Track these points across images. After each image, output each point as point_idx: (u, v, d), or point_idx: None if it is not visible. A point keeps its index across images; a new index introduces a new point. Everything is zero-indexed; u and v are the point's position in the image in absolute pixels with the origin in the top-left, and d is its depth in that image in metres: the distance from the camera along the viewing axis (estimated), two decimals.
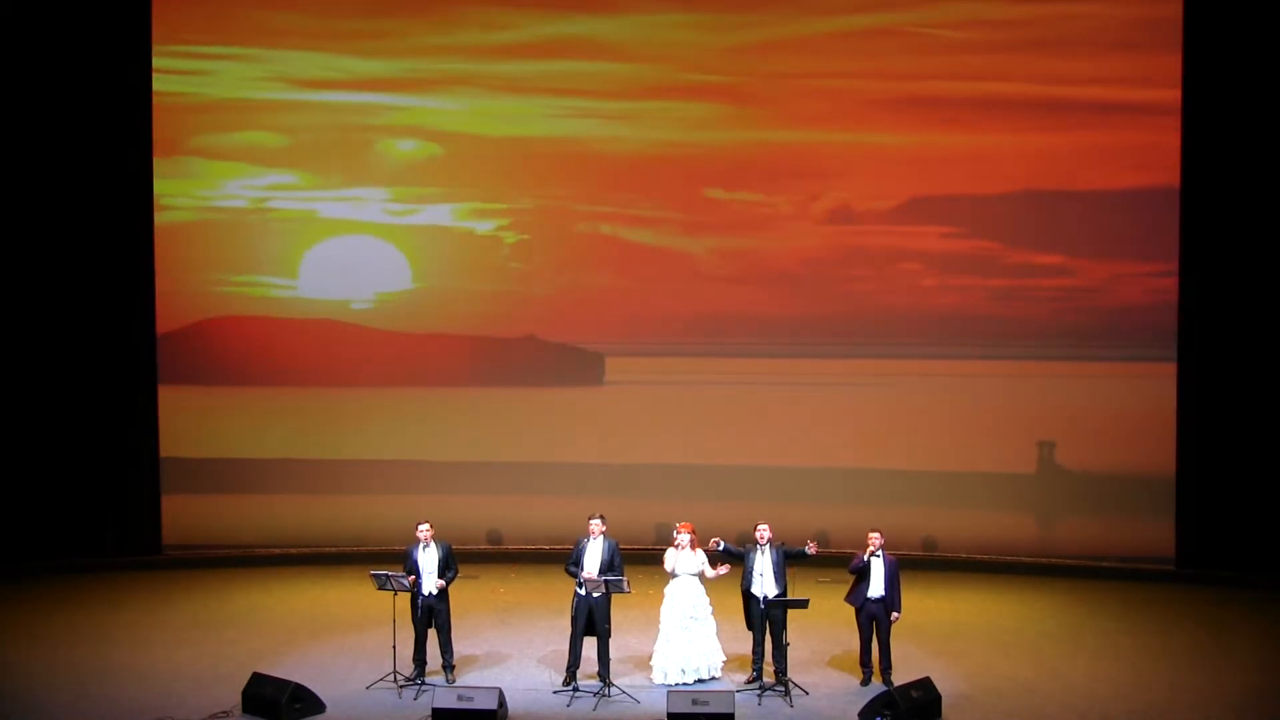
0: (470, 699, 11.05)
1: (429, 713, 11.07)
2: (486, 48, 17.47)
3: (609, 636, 11.96)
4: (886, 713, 11.04)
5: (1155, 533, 16.56)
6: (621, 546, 12.17)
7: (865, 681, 12.19)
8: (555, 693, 11.94)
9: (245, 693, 11.44)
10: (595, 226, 17.83)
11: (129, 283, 17.03)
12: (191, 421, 17.68)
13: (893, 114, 17.09)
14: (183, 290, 17.54)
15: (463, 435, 18.15)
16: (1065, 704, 11.68)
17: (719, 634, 12.25)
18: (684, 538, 12.09)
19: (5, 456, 16.79)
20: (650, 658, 12.27)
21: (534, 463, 17.85)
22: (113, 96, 16.82)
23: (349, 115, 17.60)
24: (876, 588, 12.13)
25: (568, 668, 12.09)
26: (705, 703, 10.89)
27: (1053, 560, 16.96)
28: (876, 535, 12.18)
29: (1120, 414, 16.86)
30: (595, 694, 11.72)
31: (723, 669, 12.26)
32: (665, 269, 17.78)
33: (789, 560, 12.05)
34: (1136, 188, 16.70)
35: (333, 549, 17.50)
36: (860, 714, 11.29)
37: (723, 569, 12.11)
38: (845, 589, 12.40)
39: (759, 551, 12.00)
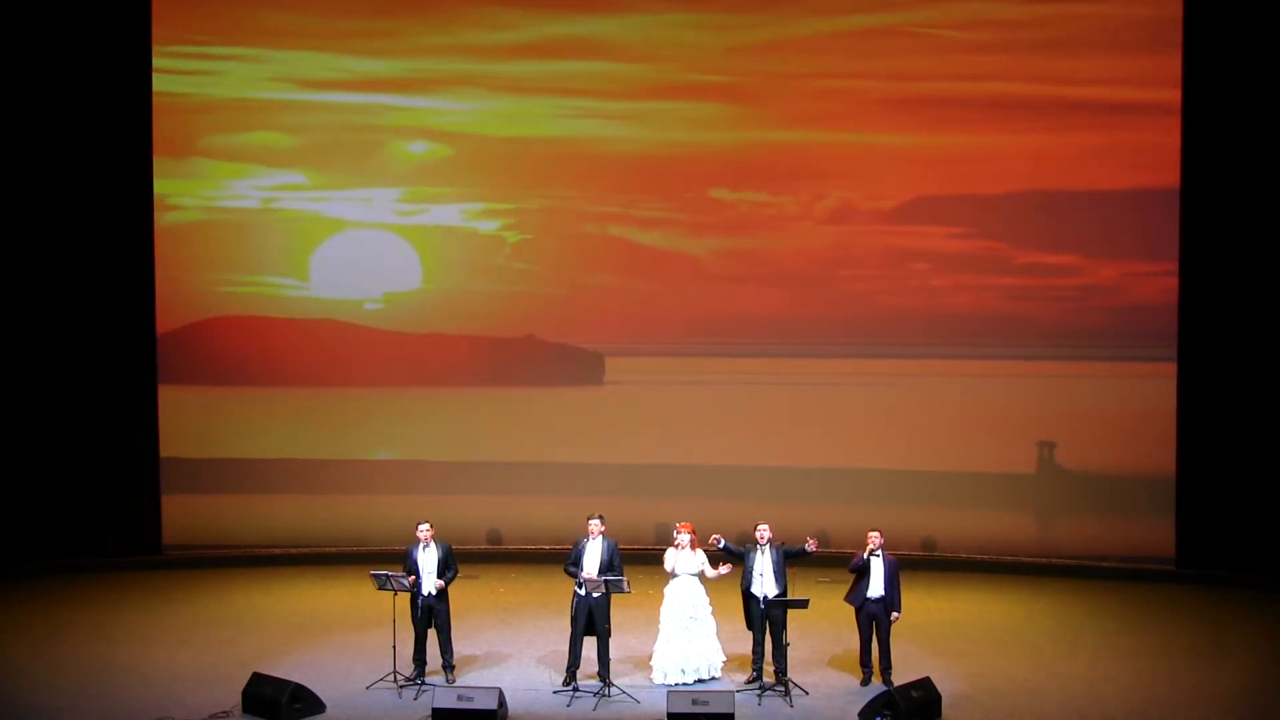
0: (470, 699, 11.05)
1: (429, 713, 11.07)
2: (490, 48, 17.47)
3: (609, 636, 11.96)
4: (886, 713, 11.04)
5: (1155, 533, 16.57)
6: (621, 546, 12.17)
7: (865, 681, 12.19)
8: (555, 693, 11.94)
9: (245, 693, 11.44)
10: (597, 227, 17.82)
11: (129, 283, 17.03)
12: (191, 421, 17.68)
13: (895, 114, 17.09)
14: (183, 290, 17.54)
15: (463, 435, 18.16)
16: (1065, 704, 11.68)
17: (719, 634, 12.25)
18: (684, 538, 12.09)
19: (5, 456, 16.80)
20: (650, 658, 12.27)
21: (534, 463, 17.85)
22: (113, 96, 16.81)
23: (353, 115, 17.60)
24: (876, 588, 12.13)
25: (568, 668, 12.09)
26: (705, 703, 10.89)
27: (1053, 560, 16.96)
28: (876, 534, 12.18)
29: (1120, 414, 16.86)
30: (595, 694, 11.72)
31: (723, 669, 12.26)
32: (666, 269, 17.78)
33: (789, 559, 12.05)
34: (1136, 188, 16.70)
35: (333, 549, 17.50)
36: (860, 714, 11.29)
37: (724, 568, 12.11)
38: (845, 589, 12.40)
39: (759, 551, 11.99)
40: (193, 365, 17.68)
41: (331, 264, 17.78)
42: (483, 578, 16.18)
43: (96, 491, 17.05)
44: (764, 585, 11.89)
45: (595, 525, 12.04)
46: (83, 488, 16.97)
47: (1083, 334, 17.03)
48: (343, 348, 17.83)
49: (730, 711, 10.87)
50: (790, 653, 11.95)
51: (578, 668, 12.03)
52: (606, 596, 11.89)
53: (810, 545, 11.98)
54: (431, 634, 12.15)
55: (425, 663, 12.09)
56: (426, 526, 12.23)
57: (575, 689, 11.87)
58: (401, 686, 11.89)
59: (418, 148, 17.81)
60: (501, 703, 11.21)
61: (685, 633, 12.07)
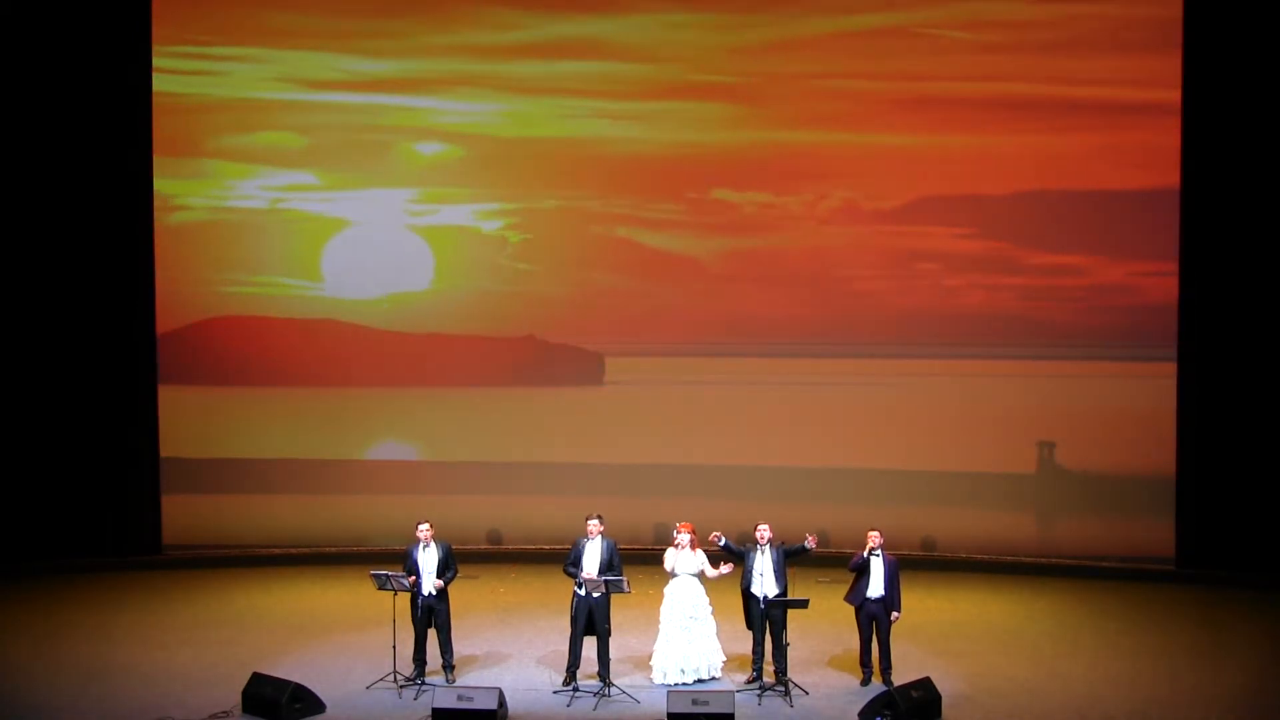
0: (470, 699, 11.05)
1: (429, 713, 11.07)
2: (493, 48, 17.47)
3: (609, 636, 11.96)
4: (886, 713, 11.04)
5: (1155, 533, 16.57)
6: (621, 546, 12.18)
7: (865, 681, 12.19)
8: (555, 693, 11.94)
9: (245, 693, 11.44)
10: (599, 227, 17.82)
11: (129, 283, 17.03)
12: (191, 421, 17.68)
13: (896, 114, 17.08)
14: (183, 290, 17.54)
15: (463, 435, 18.16)
16: (1065, 704, 11.68)
17: (719, 634, 12.25)
18: (684, 538, 12.09)
19: (6, 456, 16.80)
20: (650, 658, 12.27)
21: (534, 463, 17.86)
22: (113, 96, 16.81)
23: (356, 115, 17.60)
24: (876, 587, 12.13)
25: (568, 668, 12.09)
26: (705, 703, 10.89)
27: (1053, 560, 16.96)
28: (876, 534, 12.19)
29: (1120, 414, 16.86)
30: (595, 694, 11.72)
31: (723, 669, 12.26)
32: (668, 269, 17.78)
33: (790, 557, 12.05)
34: (1137, 188, 16.70)
35: (333, 549, 17.50)
36: (860, 714, 11.29)
37: (725, 567, 12.11)
38: (845, 589, 12.40)
39: (759, 551, 11.99)
40: (193, 365, 17.68)
41: (332, 264, 17.78)
42: (483, 578, 16.18)
43: (96, 491, 17.04)
44: (764, 585, 11.89)
45: (594, 525, 12.04)
46: (83, 488, 16.97)
47: (1083, 334, 17.03)
48: (343, 348, 17.83)
49: (730, 711, 10.87)
50: (790, 653, 11.95)
51: (578, 668, 12.03)
52: (606, 596, 11.89)
53: (810, 542, 11.98)
54: (431, 634, 12.15)
55: (425, 663, 12.09)
56: (426, 526, 12.23)
57: (575, 689, 11.87)
58: (401, 686, 11.89)
59: (420, 148, 17.80)
60: (501, 703, 11.21)
61: (685, 633, 12.07)
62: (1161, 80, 16.25)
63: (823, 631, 13.39)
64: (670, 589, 12.18)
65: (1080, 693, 11.97)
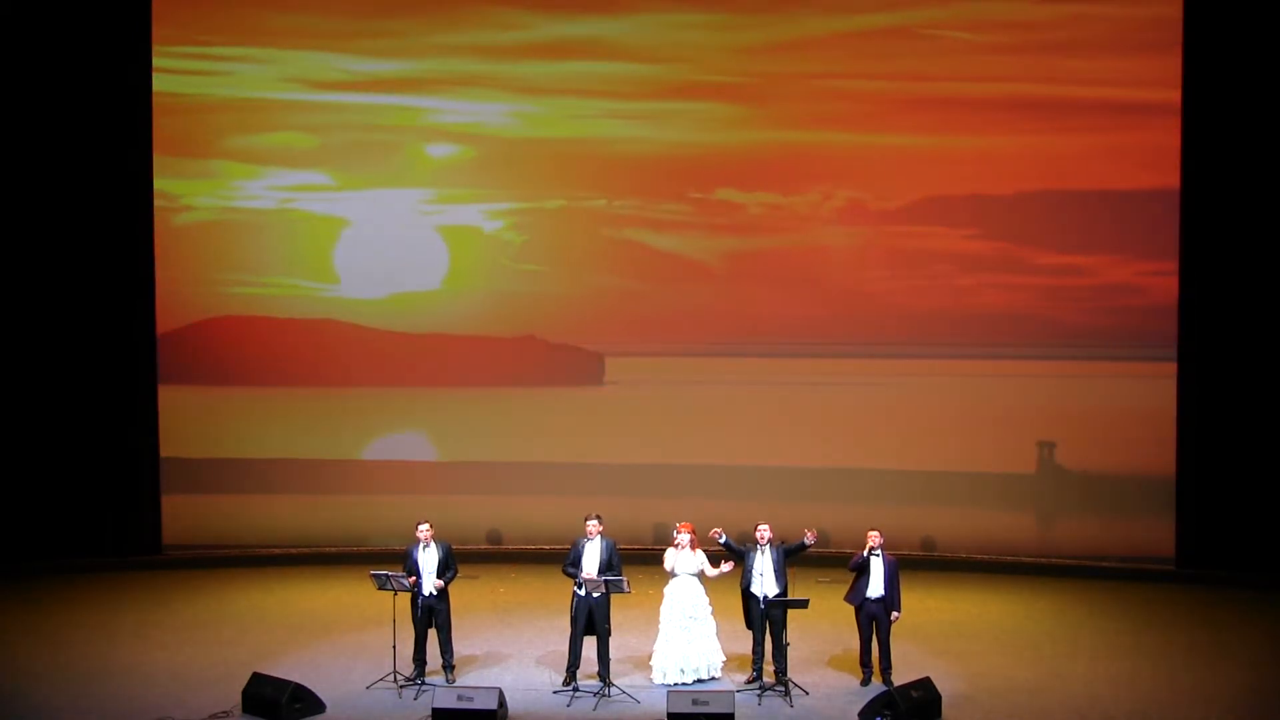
0: (470, 699, 11.05)
1: (429, 713, 11.07)
2: (497, 48, 17.46)
3: (609, 636, 11.96)
4: (886, 713, 11.04)
5: (1155, 533, 16.57)
6: (620, 547, 12.18)
7: (865, 681, 12.19)
8: (555, 693, 11.94)
9: (245, 693, 11.44)
10: (601, 227, 17.81)
11: (129, 282, 17.03)
12: (191, 421, 17.67)
13: (899, 115, 17.07)
14: (186, 290, 17.55)
15: (463, 435, 18.16)
16: (1065, 704, 11.68)
17: (719, 634, 12.25)
18: (684, 537, 12.09)
19: (5, 456, 16.80)
20: (650, 658, 12.27)
21: (534, 463, 17.86)
22: (113, 96, 16.81)
23: (359, 116, 17.59)
24: (876, 587, 12.13)
25: (568, 668, 12.09)
26: (705, 703, 10.90)
27: (1053, 560, 16.96)
28: (875, 533, 12.19)
29: (1120, 414, 16.86)
30: (595, 694, 11.72)
31: (723, 669, 12.26)
32: (666, 268, 17.77)
33: (790, 555, 12.05)
34: (1137, 188, 16.70)
35: (333, 549, 17.50)
36: (860, 714, 11.29)
37: (726, 566, 12.10)
38: (845, 589, 12.40)
39: (759, 551, 12.00)
40: (193, 365, 17.67)
41: (334, 264, 17.78)
42: (483, 578, 16.18)
43: (96, 491, 17.04)
44: (764, 585, 11.89)
45: (593, 526, 12.04)
46: (83, 488, 16.96)
47: (1083, 334, 17.03)
48: (343, 348, 17.83)
49: (730, 711, 10.87)
50: (790, 653, 11.95)
51: (578, 668, 12.03)
52: (606, 596, 11.89)
53: (809, 537, 11.98)
54: (431, 634, 12.15)
55: (425, 663, 12.09)
56: (426, 526, 12.23)
57: (575, 689, 11.87)
58: (401, 686, 11.89)
59: (423, 148, 17.79)
60: (501, 703, 11.21)
61: (685, 633, 12.07)
62: (1161, 80, 16.25)
63: (823, 631, 13.39)
64: (670, 589, 12.18)
65: (1080, 693, 11.97)
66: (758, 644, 12.03)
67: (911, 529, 17.06)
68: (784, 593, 11.94)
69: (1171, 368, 16.43)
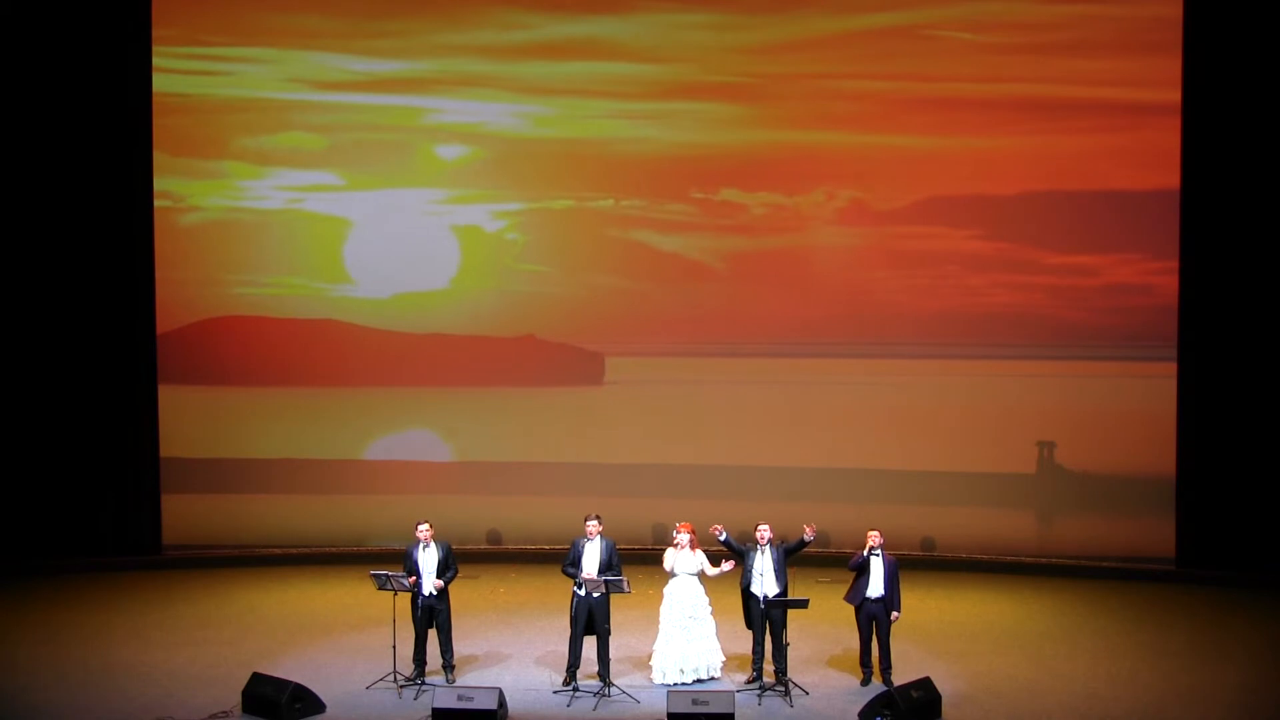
0: (470, 699, 11.05)
1: (429, 713, 11.07)
2: (501, 48, 17.47)
3: (609, 636, 11.96)
4: (886, 713, 11.04)
5: (1155, 533, 16.57)
6: (620, 547, 12.18)
7: (865, 681, 12.19)
8: (555, 693, 11.94)
9: (245, 693, 11.44)
10: (603, 227, 17.80)
11: (130, 282, 17.02)
12: (191, 421, 17.68)
13: (900, 115, 17.11)
14: (188, 290, 17.55)
15: (463, 435, 18.16)
16: (1065, 703, 11.68)
17: (719, 634, 12.25)
18: (683, 537, 12.09)
19: (5, 456, 16.80)
20: (650, 658, 12.27)
21: (534, 463, 17.86)
22: (113, 97, 16.80)
23: (363, 116, 17.59)
24: (876, 587, 12.13)
25: (568, 668, 12.09)
26: (705, 703, 10.89)
27: (1053, 560, 16.96)
28: (875, 533, 12.19)
29: (1120, 414, 16.87)
30: (595, 694, 11.72)
31: (722, 669, 12.26)
32: (668, 268, 17.78)
33: (791, 554, 12.05)
34: (1137, 188, 16.70)
35: (333, 549, 17.50)
36: (860, 714, 11.29)
37: (727, 565, 12.10)
38: (845, 588, 12.40)
39: (759, 551, 12.00)
40: (193, 365, 17.67)
41: (335, 264, 17.78)
42: (483, 578, 16.18)
43: (96, 491, 17.04)
44: (764, 585, 11.89)
45: (593, 526, 12.04)
46: (82, 488, 16.97)
47: (1083, 334, 17.04)
48: (343, 348, 17.83)
49: (730, 711, 10.87)
50: (790, 653, 11.95)
51: (578, 668, 12.03)
52: (606, 596, 11.89)
53: (808, 533, 11.97)
54: (432, 634, 12.15)
55: (425, 663, 12.09)
56: (426, 526, 12.23)
57: (575, 689, 11.87)
58: (401, 686, 11.89)
59: (426, 149, 17.79)
60: (501, 703, 11.21)
61: (684, 632, 12.07)
62: (1162, 80, 16.25)
63: (823, 631, 13.39)
64: (670, 589, 12.18)
65: (1080, 693, 11.97)
66: (758, 644, 12.03)
67: (911, 529, 17.07)
68: (784, 593, 11.94)
69: (1171, 368, 16.44)
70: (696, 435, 17.74)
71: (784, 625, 11.90)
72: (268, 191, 17.70)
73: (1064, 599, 15.56)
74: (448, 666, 12.25)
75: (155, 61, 17.05)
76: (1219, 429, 16.14)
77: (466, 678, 12.32)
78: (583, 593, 11.92)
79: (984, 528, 17.22)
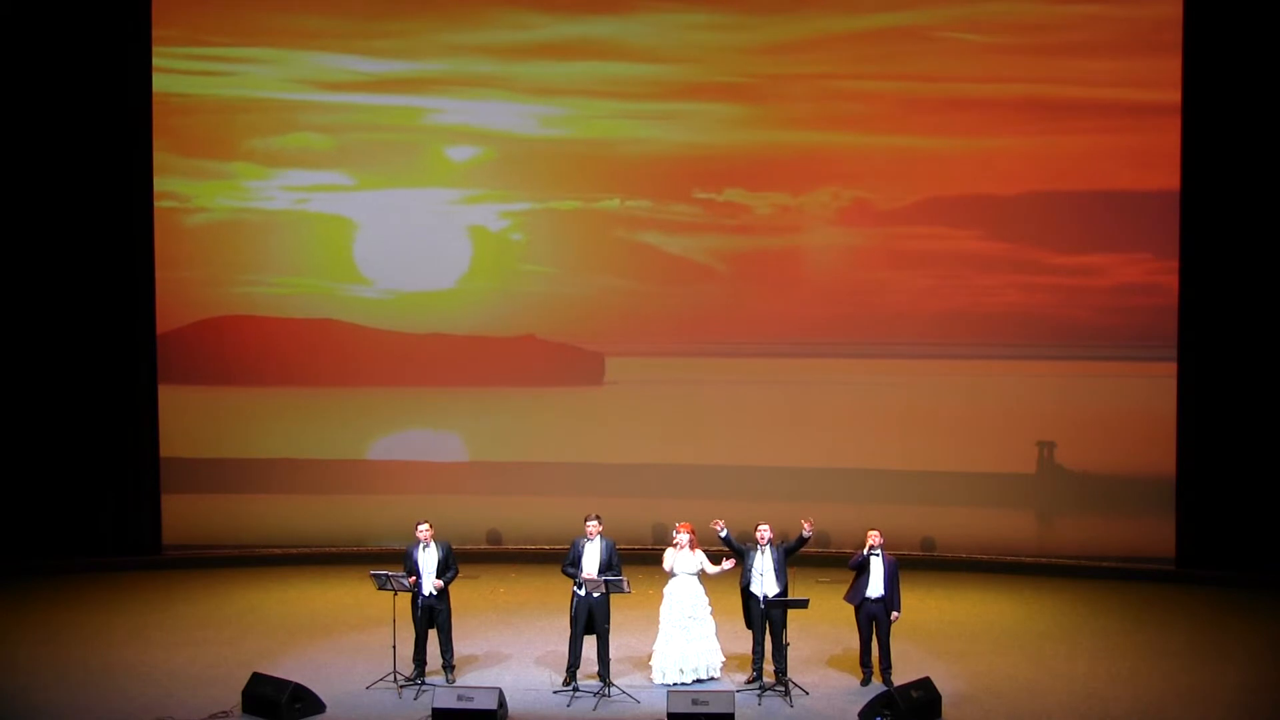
0: (470, 699, 11.05)
1: (429, 713, 11.07)
2: (504, 48, 17.45)
3: (609, 636, 11.96)
4: (886, 713, 11.04)
5: (1155, 533, 16.57)
6: (620, 547, 12.18)
7: (865, 681, 12.19)
8: (555, 693, 11.94)
9: (245, 693, 11.45)
10: (605, 227, 17.80)
11: (130, 282, 17.02)
12: (191, 421, 17.68)
13: (901, 115, 17.10)
14: (189, 290, 17.55)
15: (463, 435, 18.16)
16: (1066, 703, 11.68)
17: (718, 634, 12.25)
18: (683, 537, 12.09)
19: (5, 456, 16.80)
20: (650, 658, 12.27)
21: (534, 463, 17.86)
22: (113, 97, 16.79)
23: (366, 116, 17.59)
24: (876, 587, 12.13)
25: (568, 668, 12.09)
26: (705, 703, 10.89)
27: (1053, 560, 16.96)
28: (875, 533, 12.19)
29: (1120, 414, 16.87)
30: (595, 694, 11.72)
31: (722, 669, 12.26)
32: (670, 268, 17.78)
33: (791, 552, 12.05)
34: (1137, 188, 16.70)
35: (333, 549, 17.50)
36: (860, 714, 11.29)
37: (727, 564, 12.10)
38: (845, 588, 12.40)
39: (759, 551, 12.00)
40: (193, 365, 17.68)
41: (337, 264, 17.78)
42: (483, 578, 16.18)
43: (96, 491, 17.04)
44: (764, 585, 11.89)
45: (593, 526, 12.04)
46: (82, 487, 16.97)
47: (1083, 334, 17.04)
48: (344, 347, 17.83)
49: (730, 711, 10.87)
50: (790, 653, 11.95)
51: (578, 668, 12.03)
52: (606, 596, 11.89)
53: (806, 529, 11.98)
54: (432, 634, 12.15)
55: (425, 663, 12.09)
56: (426, 526, 12.23)
57: (575, 689, 11.87)
58: (401, 686, 11.89)
59: (428, 150, 17.79)
60: (501, 703, 11.21)
61: (684, 632, 12.07)
62: (1161, 80, 16.25)
63: (823, 631, 13.39)
64: (669, 589, 12.18)
65: (1080, 692, 11.97)
66: (758, 644, 12.03)
67: (911, 529, 17.07)
68: (784, 592, 11.94)
69: (1171, 368, 16.44)
70: (697, 435, 17.74)
71: (784, 625, 11.90)
72: (274, 192, 17.71)
73: (1064, 599, 15.56)
74: (448, 666, 12.25)
75: (159, 62, 17.07)
76: (1219, 429, 16.14)
77: (466, 678, 12.32)
78: (583, 593, 11.92)
79: (984, 528, 17.22)
